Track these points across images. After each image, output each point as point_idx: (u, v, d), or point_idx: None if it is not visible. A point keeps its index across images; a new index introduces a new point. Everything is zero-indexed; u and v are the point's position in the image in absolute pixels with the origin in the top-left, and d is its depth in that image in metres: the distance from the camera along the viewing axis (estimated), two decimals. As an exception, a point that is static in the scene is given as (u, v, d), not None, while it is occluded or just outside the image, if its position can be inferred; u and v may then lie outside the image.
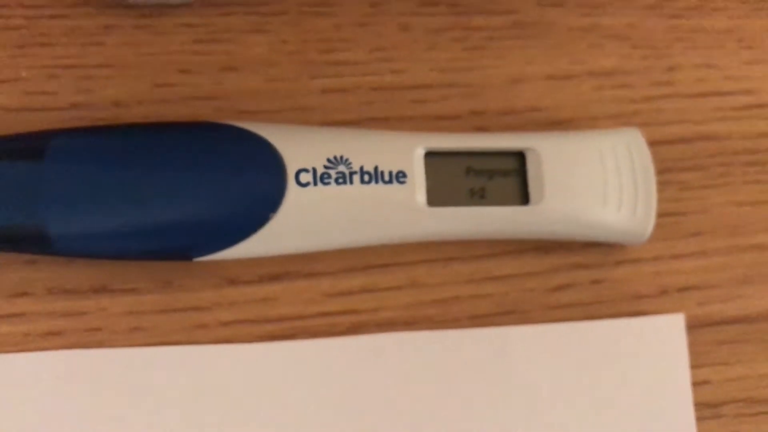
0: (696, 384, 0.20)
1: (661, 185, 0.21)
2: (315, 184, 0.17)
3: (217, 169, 0.17)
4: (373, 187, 0.17)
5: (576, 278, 0.20)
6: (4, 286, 0.17)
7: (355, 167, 0.17)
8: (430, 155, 0.18)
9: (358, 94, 0.20)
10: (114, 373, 0.18)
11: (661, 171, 0.21)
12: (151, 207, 0.17)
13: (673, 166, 0.21)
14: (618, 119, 0.21)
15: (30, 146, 0.17)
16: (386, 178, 0.17)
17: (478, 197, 0.18)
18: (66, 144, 0.17)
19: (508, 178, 0.18)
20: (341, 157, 0.17)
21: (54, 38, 0.19)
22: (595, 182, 0.19)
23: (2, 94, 0.18)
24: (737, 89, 0.22)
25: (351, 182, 0.17)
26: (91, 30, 0.19)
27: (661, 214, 0.20)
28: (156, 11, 0.19)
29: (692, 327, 0.20)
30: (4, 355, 0.17)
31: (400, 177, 0.17)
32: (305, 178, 0.17)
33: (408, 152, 0.18)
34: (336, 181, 0.17)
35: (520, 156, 0.18)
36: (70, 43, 0.19)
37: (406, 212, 0.18)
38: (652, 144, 0.21)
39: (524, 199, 0.18)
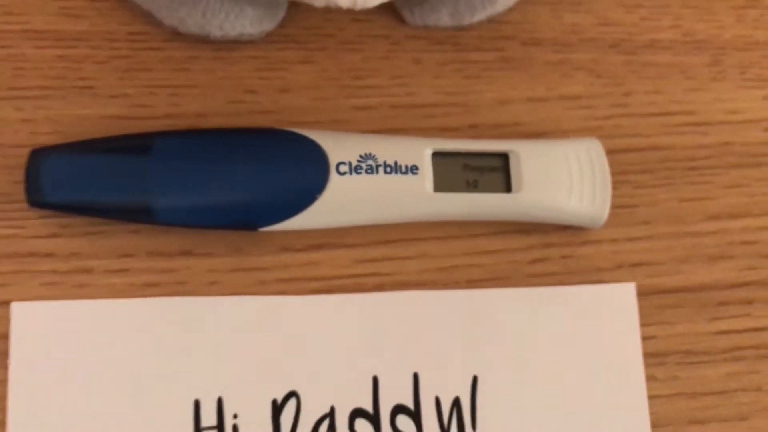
0: (645, 338, 0.25)
1: (618, 184, 0.26)
2: (350, 173, 0.23)
3: (278, 161, 0.23)
4: (393, 177, 0.23)
5: (549, 254, 0.25)
6: (115, 248, 0.23)
7: (380, 162, 0.23)
8: (436, 154, 0.24)
9: (381, 111, 0.26)
10: (195, 317, 0.23)
11: (618, 173, 0.26)
12: (228, 188, 0.22)
13: (628, 169, 0.27)
14: (583, 132, 0.27)
15: (139, 143, 0.23)
16: (403, 170, 0.23)
17: (472, 186, 0.24)
18: (166, 142, 0.23)
19: (495, 172, 0.24)
20: (370, 154, 0.23)
21: (152, 65, 0.25)
22: (563, 178, 0.24)
23: (114, 106, 0.24)
24: (679, 111, 0.28)
25: (377, 173, 0.23)
26: (181, 59, 0.25)
27: (617, 206, 0.26)
28: (229, 46, 0.25)
29: (641, 294, 0.26)
30: (114, 300, 0.23)
31: (413, 170, 0.23)
32: (343, 169, 0.23)
33: (419, 152, 0.23)
34: (366, 171, 0.23)
35: (504, 156, 0.24)
36: (164, 68, 0.25)
37: (418, 197, 0.23)
38: (611, 152, 0.26)
39: (507, 188, 0.24)
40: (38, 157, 0.22)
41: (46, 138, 0.24)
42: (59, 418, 0.22)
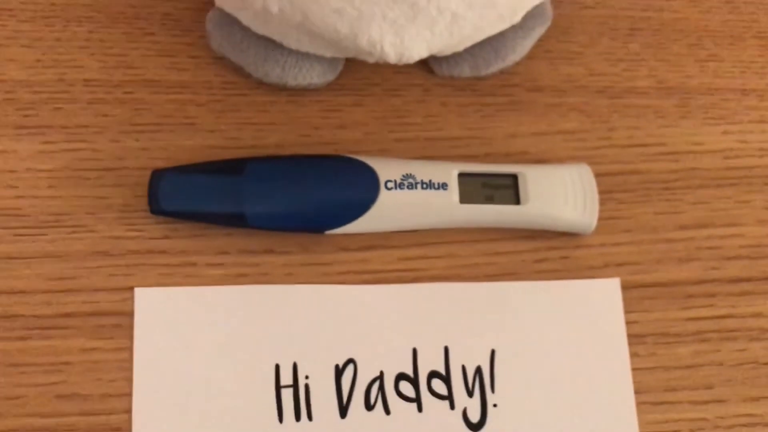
0: (628, 323, 0.32)
1: (604, 200, 0.33)
2: (396, 189, 0.29)
3: (339, 180, 0.29)
4: (428, 192, 0.30)
5: (550, 255, 0.32)
6: (214, 247, 0.30)
7: (418, 180, 0.30)
8: (461, 175, 0.30)
9: (417, 142, 0.33)
10: (275, 300, 0.30)
11: (604, 191, 0.33)
12: (301, 201, 0.29)
13: (613, 188, 0.33)
14: (576, 159, 0.33)
15: (234, 166, 0.30)
16: (436, 186, 0.30)
17: (489, 200, 0.30)
18: (255, 165, 0.30)
19: (507, 189, 0.31)
20: (410, 174, 0.30)
21: (240, 107, 0.32)
22: (560, 194, 0.31)
23: (211, 138, 0.31)
24: (654, 143, 0.34)
25: (415, 188, 0.30)
26: (263, 103, 0.32)
27: (604, 218, 0.33)
28: (300, 92, 0.32)
29: (625, 288, 0.32)
30: (213, 287, 0.29)
31: (443, 186, 0.30)
32: (390, 185, 0.29)
33: (448, 173, 0.30)
34: (407, 187, 0.29)
35: (514, 177, 0.31)
36: (250, 110, 0.32)
37: (447, 208, 0.30)
38: (599, 175, 0.33)
39: (517, 201, 0.31)
40: (157, 176, 0.29)
41: (160, 162, 0.30)
42: (173, 376, 0.28)
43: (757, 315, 0.33)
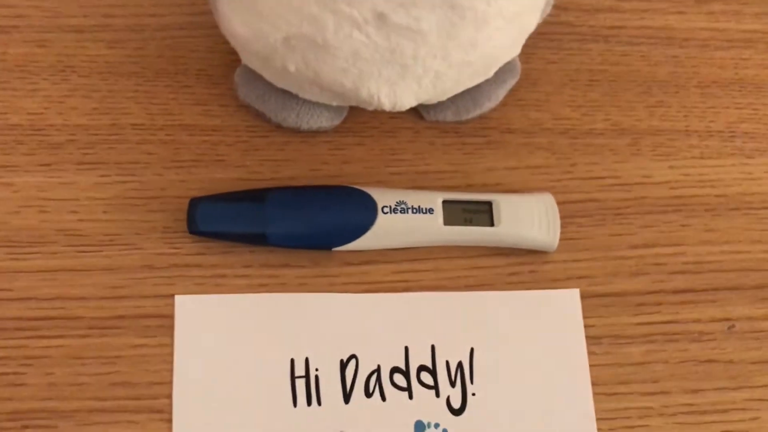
0: (586, 326, 0.37)
1: (566, 223, 0.39)
2: (390, 213, 0.36)
3: (344, 206, 0.36)
4: (417, 216, 0.36)
5: (520, 269, 0.38)
6: (240, 261, 0.36)
7: (409, 206, 0.36)
8: (445, 201, 0.37)
9: (408, 175, 0.39)
10: (291, 306, 0.35)
11: (566, 216, 0.39)
12: (314, 223, 0.35)
13: (574, 214, 0.39)
14: (542, 189, 0.39)
15: (258, 195, 0.36)
16: (423, 211, 0.36)
17: (468, 222, 0.36)
18: (275, 194, 0.36)
19: (484, 214, 0.37)
20: (402, 201, 0.36)
21: (262, 147, 0.38)
22: (528, 218, 0.37)
23: (238, 172, 0.38)
24: (609, 176, 0.41)
25: (407, 213, 0.36)
26: (280, 143, 0.38)
27: (565, 238, 0.39)
28: (311, 134, 0.39)
29: (583, 297, 0.38)
30: (239, 294, 0.35)
31: (430, 211, 0.36)
32: (386, 210, 0.36)
33: (434, 200, 0.36)
34: (400, 212, 0.36)
35: (489, 203, 0.37)
36: (269, 149, 0.38)
37: (433, 228, 0.36)
38: (561, 203, 0.39)
39: (491, 224, 0.37)
40: (194, 203, 0.36)
41: (196, 192, 0.37)
42: (206, 367, 0.34)
43: (697, 321, 0.39)
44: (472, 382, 0.36)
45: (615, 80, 0.43)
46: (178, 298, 0.35)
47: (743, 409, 0.37)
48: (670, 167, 0.41)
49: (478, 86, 0.38)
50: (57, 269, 0.35)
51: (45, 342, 0.34)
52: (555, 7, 0.39)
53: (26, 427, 0.33)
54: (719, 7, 0.46)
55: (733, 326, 0.39)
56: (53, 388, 0.33)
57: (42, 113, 0.38)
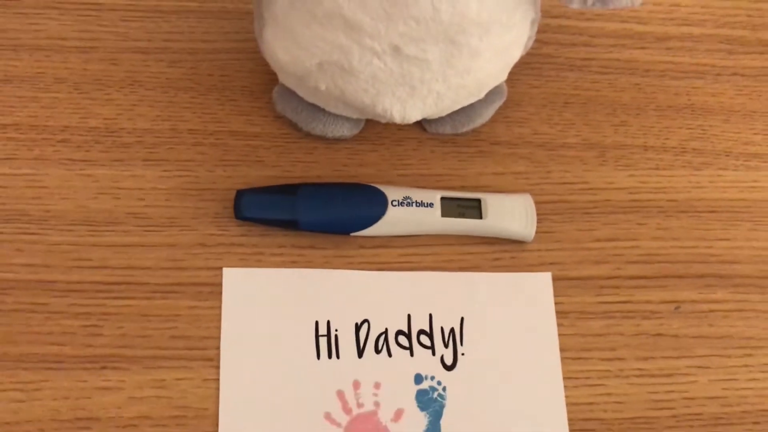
0: (556, 303, 0.45)
1: (541, 219, 0.47)
2: (398, 206, 0.44)
3: (361, 199, 0.44)
4: (420, 209, 0.44)
5: (503, 255, 0.46)
6: (275, 242, 0.44)
7: (413, 200, 0.44)
8: (443, 198, 0.45)
9: (413, 177, 0.47)
10: (317, 279, 0.44)
11: (541, 214, 0.47)
12: (336, 213, 0.44)
13: (548, 212, 0.48)
14: (523, 191, 0.48)
15: (291, 189, 0.44)
16: (425, 205, 0.44)
17: (461, 215, 0.45)
18: (305, 188, 0.44)
19: (474, 209, 0.45)
20: (408, 196, 0.44)
21: (293, 150, 0.46)
22: (510, 214, 0.45)
23: (274, 170, 0.46)
24: (579, 181, 0.49)
25: (412, 206, 0.44)
26: (309, 148, 0.47)
27: (541, 231, 0.47)
28: (334, 141, 0.47)
29: (555, 279, 0.46)
30: (275, 269, 0.43)
31: (431, 205, 0.44)
32: (395, 203, 0.44)
33: (434, 197, 0.45)
34: (406, 205, 0.44)
35: (479, 201, 0.45)
36: (300, 152, 0.46)
37: (432, 220, 0.44)
38: (539, 203, 0.47)
39: (480, 217, 0.45)
40: (240, 194, 0.44)
41: (240, 185, 0.45)
42: (246, 326, 0.42)
43: (648, 302, 0.47)
44: (461, 344, 0.44)
45: (586, 103, 0.51)
46: (225, 270, 0.43)
47: (685, 374, 0.45)
48: (630, 176, 0.50)
49: (471, 105, 0.46)
50: (127, 245, 0.43)
51: (118, 302, 0.42)
52: (537, 41, 0.48)
53: (104, 368, 0.41)
54: (676, 43, 0.54)
55: (679, 307, 0.47)
56: (124, 338, 0.41)
57: (115, 119, 0.46)
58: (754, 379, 0.46)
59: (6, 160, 0.44)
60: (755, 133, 0.52)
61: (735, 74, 0.54)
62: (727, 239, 0.49)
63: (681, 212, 0.49)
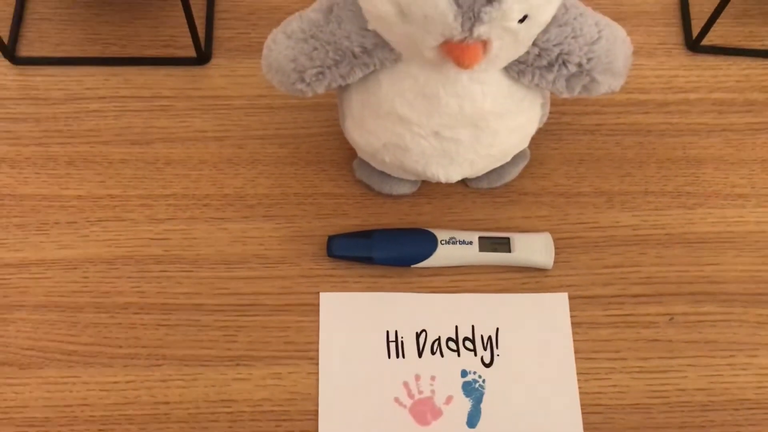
0: (572, 316, 0.59)
1: (559, 252, 0.61)
2: (446, 244, 0.59)
3: (418, 239, 0.59)
4: (462, 246, 0.59)
5: (529, 280, 0.60)
6: (357, 274, 0.60)
7: (458, 240, 0.59)
8: (480, 237, 0.60)
9: (458, 221, 0.62)
10: (387, 300, 0.59)
11: (559, 247, 0.61)
12: (400, 250, 0.59)
13: (565, 246, 0.61)
14: (544, 230, 0.62)
15: (367, 234, 0.60)
16: (466, 242, 0.59)
17: (495, 250, 0.59)
18: (378, 233, 0.60)
19: (505, 245, 0.60)
20: (453, 237, 0.59)
21: (369, 205, 0.63)
22: (534, 248, 0.60)
23: (355, 221, 0.62)
24: (590, 221, 0.62)
25: (456, 244, 0.59)
26: (380, 203, 0.63)
27: (559, 261, 0.61)
28: (398, 197, 0.63)
29: (571, 298, 0.60)
30: (357, 293, 0.59)
31: (471, 243, 0.59)
32: (443, 242, 0.59)
33: (473, 236, 0.60)
34: (451, 243, 0.59)
35: (509, 239, 0.60)
36: (373, 206, 0.62)
37: (472, 254, 0.59)
38: (557, 239, 0.61)
39: (509, 251, 0.59)
40: (331, 238, 0.60)
41: (331, 231, 0.61)
42: (336, 332, 0.58)
43: (647, 314, 0.59)
44: (497, 348, 0.58)
45: (597, 159, 0.65)
46: (322, 294, 0.60)
47: (677, 371, 0.58)
48: (633, 216, 0.63)
49: (501, 166, 0.61)
50: (253, 277, 0.60)
51: (247, 318, 0.59)
52: (557, 111, 0.62)
53: (238, 364, 0.58)
54: (673, 108, 0.67)
55: (673, 318, 0.59)
56: (252, 344, 0.58)
57: (242, 187, 0.64)
58: (736, 375, 0.58)
59: (168, 220, 0.63)
60: (741, 177, 0.65)
61: (724, 130, 0.66)
62: (716, 264, 0.61)
63: (676, 243, 0.62)
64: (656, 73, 0.68)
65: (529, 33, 0.47)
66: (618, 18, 0.70)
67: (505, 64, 0.50)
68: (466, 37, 0.45)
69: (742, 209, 0.63)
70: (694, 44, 0.69)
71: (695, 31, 0.69)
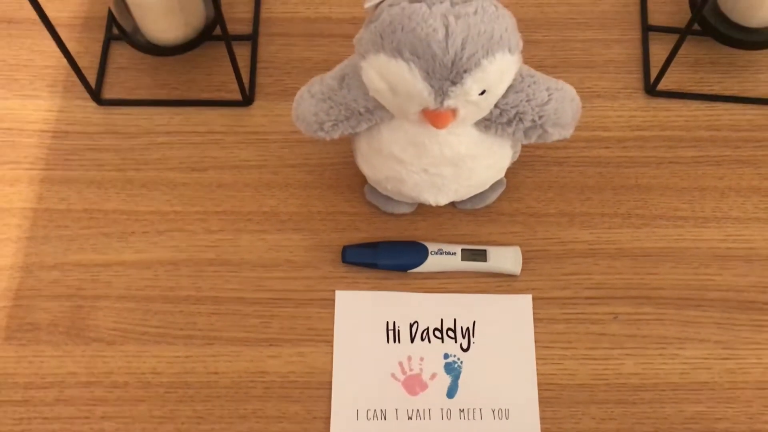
0: (534, 313, 0.74)
1: (526, 262, 0.76)
2: (435, 254, 0.75)
3: (413, 250, 0.75)
4: (448, 256, 0.75)
5: (501, 284, 0.75)
6: (366, 276, 0.76)
7: (445, 251, 0.75)
8: (463, 249, 0.75)
9: (446, 236, 0.78)
10: (388, 297, 0.75)
11: (527, 258, 0.76)
12: (399, 258, 0.75)
13: (532, 257, 0.76)
14: (516, 244, 0.77)
15: (373, 244, 0.76)
16: (451, 253, 0.75)
17: (474, 260, 0.75)
18: (382, 244, 0.76)
19: (482, 255, 0.75)
20: (441, 248, 0.75)
21: (376, 222, 0.79)
22: (505, 258, 0.75)
23: (364, 234, 0.78)
24: (554, 237, 0.77)
25: (443, 255, 0.75)
26: (385, 219, 0.79)
27: (527, 269, 0.76)
28: (399, 215, 0.79)
29: (534, 299, 0.75)
30: (365, 291, 0.75)
31: (455, 254, 0.75)
32: (433, 253, 0.75)
33: (457, 249, 0.75)
34: (439, 254, 0.75)
35: (485, 251, 0.75)
36: (378, 222, 0.78)
37: (456, 263, 0.75)
38: (525, 251, 0.76)
39: (485, 260, 0.75)
40: (345, 248, 0.77)
41: (345, 242, 0.77)
42: (348, 322, 0.74)
43: (596, 313, 0.74)
44: (473, 337, 0.73)
45: (563, 186, 0.80)
46: (337, 292, 0.76)
47: (617, 359, 0.73)
48: (590, 233, 0.78)
49: (483, 192, 0.76)
50: (284, 277, 0.77)
51: (279, 309, 0.76)
52: (531, 146, 0.77)
53: (271, 345, 0.74)
54: (630, 143, 0.81)
55: (617, 317, 0.74)
56: (282, 329, 0.75)
57: (276, 206, 0.80)
58: (664, 363, 0.72)
59: (219, 231, 0.79)
60: (683, 203, 0.78)
61: (671, 162, 0.80)
62: (655, 273, 0.76)
63: (624, 256, 0.76)
64: (618, 114, 0.83)
65: (488, 102, 0.62)
66: (588, 65, 0.86)
67: (472, 122, 0.65)
68: (438, 107, 0.60)
69: (682, 229, 0.77)
70: (651, 88, 0.83)
71: (653, 77, 0.83)
